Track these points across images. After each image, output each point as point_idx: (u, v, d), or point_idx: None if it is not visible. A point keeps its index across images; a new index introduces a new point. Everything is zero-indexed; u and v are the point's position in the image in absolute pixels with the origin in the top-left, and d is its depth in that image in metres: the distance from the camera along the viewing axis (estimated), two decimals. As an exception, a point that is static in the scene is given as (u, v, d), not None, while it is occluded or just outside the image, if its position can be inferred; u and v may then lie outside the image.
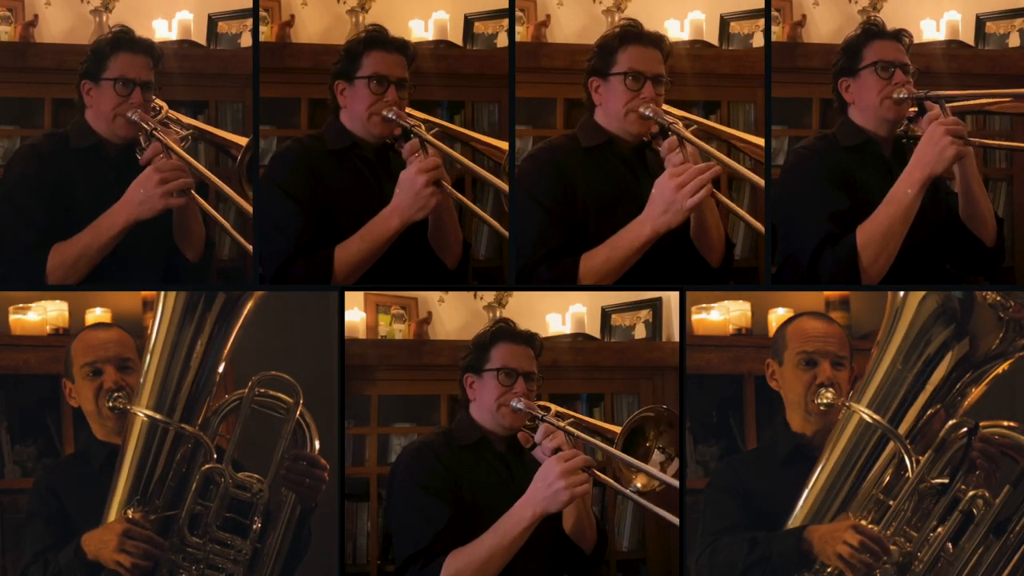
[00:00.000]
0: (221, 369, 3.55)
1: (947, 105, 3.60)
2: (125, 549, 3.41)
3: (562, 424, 3.49)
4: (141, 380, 3.52)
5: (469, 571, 3.43)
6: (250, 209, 3.65)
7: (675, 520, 3.49)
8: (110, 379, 3.55)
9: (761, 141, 3.75)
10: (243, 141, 3.74)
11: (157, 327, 3.53)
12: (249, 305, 3.56)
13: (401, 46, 3.67)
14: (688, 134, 3.58)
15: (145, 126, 3.62)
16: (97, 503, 3.49)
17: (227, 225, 3.68)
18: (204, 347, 3.52)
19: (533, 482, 3.41)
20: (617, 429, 3.59)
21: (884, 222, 3.57)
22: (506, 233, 3.70)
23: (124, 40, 3.67)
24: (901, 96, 3.64)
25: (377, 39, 3.65)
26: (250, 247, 3.67)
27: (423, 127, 3.62)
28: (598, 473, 3.44)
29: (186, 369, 3.51)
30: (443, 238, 3.69)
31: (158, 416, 3.48)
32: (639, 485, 3.48)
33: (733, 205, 3.67)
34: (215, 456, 3.50)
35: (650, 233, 3.53)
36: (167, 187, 3.56)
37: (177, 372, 3.50)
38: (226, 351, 3.55)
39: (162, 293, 3.54)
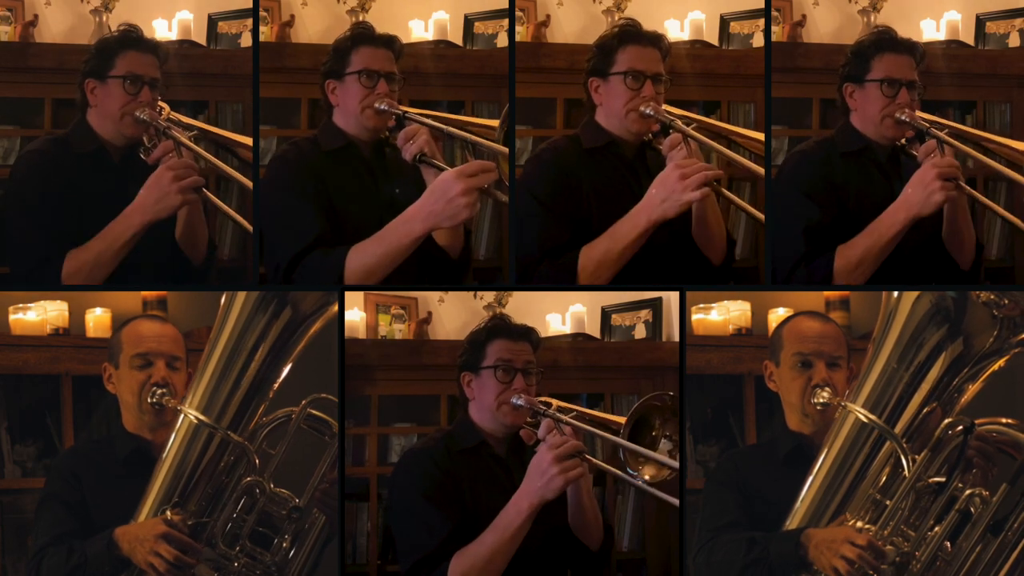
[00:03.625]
0: (279, 383, 3.59)
1: (946, 136, 3.59)
2: (159, 552, 3.43)
3: (565, 418, 3.47)
4: (195, 378, 3.55)
5: (475, 571, 3.42)
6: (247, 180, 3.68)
7: (675, 501, 3.48)
8: (159, 374, 3.57)
9: (760, 136, 3.75)
10: (247, 140, 3.75)
11: (222, 327, 3.55)
12: (318, 325, 3.59)
13: (387, 41, 3.66)
14: (690, 131, 3.59)
15: (157, 124, 3.62)
16: (117, 494, 3.54)
17: (237, 216, 3.68)
18: (265, 355, 3.55)
19: (527, 473, 3.40)
20: (622, 420, 3.58)
21: (862, 251, 3.60)
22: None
23: (131, 38, 3.68)
24: (902, 118, 3.63)
25: (364, 36, 3.65)
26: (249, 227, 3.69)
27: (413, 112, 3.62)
28: (591, 458, 3.43)
29: (242, 375, 3.54)
30: (454, 231, 3.67)
31: (207, 420, 3.51)
32: (647, 477, 3.46)
33: (733, 196, 3.69)
34: (257, 468, 3.53)
35: (646, 223, 3.54)
36: (182, 183, 3.55)
37: (233, 377, 3.54)
38: (287, 365, 3.59)
39: (229, 292, 3.58)
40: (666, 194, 3.50)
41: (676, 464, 3.46)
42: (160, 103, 3.70)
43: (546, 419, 3.45)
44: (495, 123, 3.64)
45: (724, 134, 3.81)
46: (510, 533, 3.40)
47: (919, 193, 3.52)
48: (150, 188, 3.57)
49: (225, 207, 3.67)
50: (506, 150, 3.60)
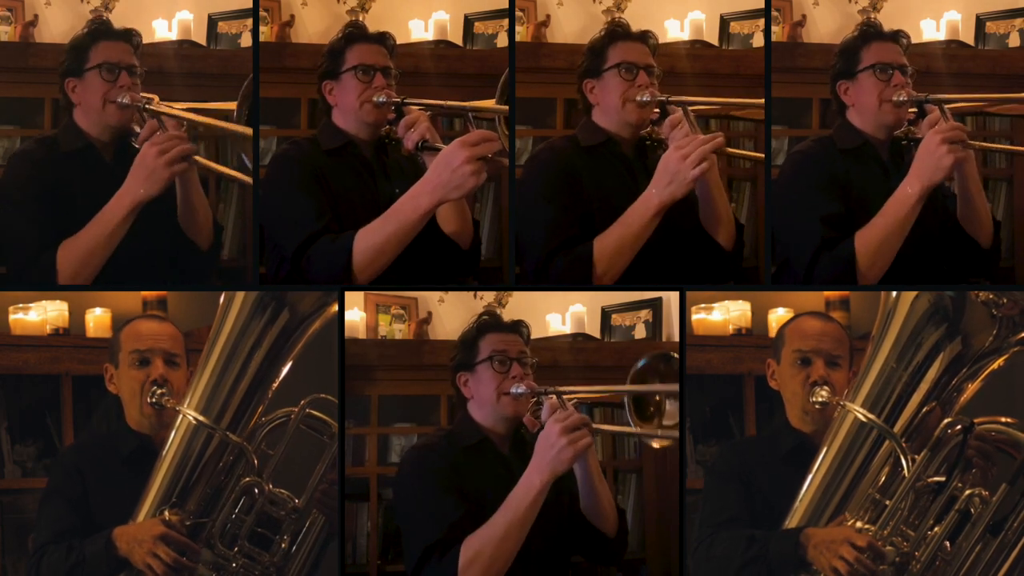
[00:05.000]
0: (278, 383, 3.59)
1: (947, 107, 3.60)
2: (158, 554, 3.43)
3: (567, 389, 3.44)
4: (194, 378, 3.55)
5: (488, 551, 3.38)
6: (247, 131, 3.67)
7: (675, 434, 3.48)
8: (157, 372, 3.57)
9: (760, 101, 3.77)
10: (230, 105, 3.73)
11: (221, 327, 3.55)
12: (317, 325, 3.59)
13: (380, 38, 3.69)
14: (688, 98, 3.64)
15: (138, 105, 3.61)
16: (119, 492, 3.54)
17: (231, 171, 3.71)
18: (264, 355, 3.55)
19: (536, 450, 3.38)
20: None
21: (882, 231, 3.58)
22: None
23: (101, 30, 3.67)
24: (900, 99, 3.64)
25: (356, 34, 3.67)
26: (249, 180, 3.70)
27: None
28: (598, 425, 3.41)
29: (241, 375, 3.54)
30: (460, 213, 3.68)
31: (206, 421, 3.51)
32: (655, 445, 3.46)
33: (736, 151, 3.80)
34: (255, 468, 3.54)
35: (657, 205, 3.55)
36: (168, 156, 3.52)
37: (232, 377, 3.54)
38: (287, 365, 3.59)
39: (228, 292, 3.58)
40: (671, 176, 3.52)
41: (675, 387, 3.48)
42: (146, 95, 3.70)
43: (548, 400, 3.44)
44: (491, 103, 3.66)
45: (724, 108, 3.83)
46: (522, 510, 3.37)
47: (928, 162, 3.52)
48: (136, 168, 3.55)
49: (222, 168, 3.68)
50: (506, 109, 3.63)
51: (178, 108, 3.67)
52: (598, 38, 3.72)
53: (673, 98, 3.65)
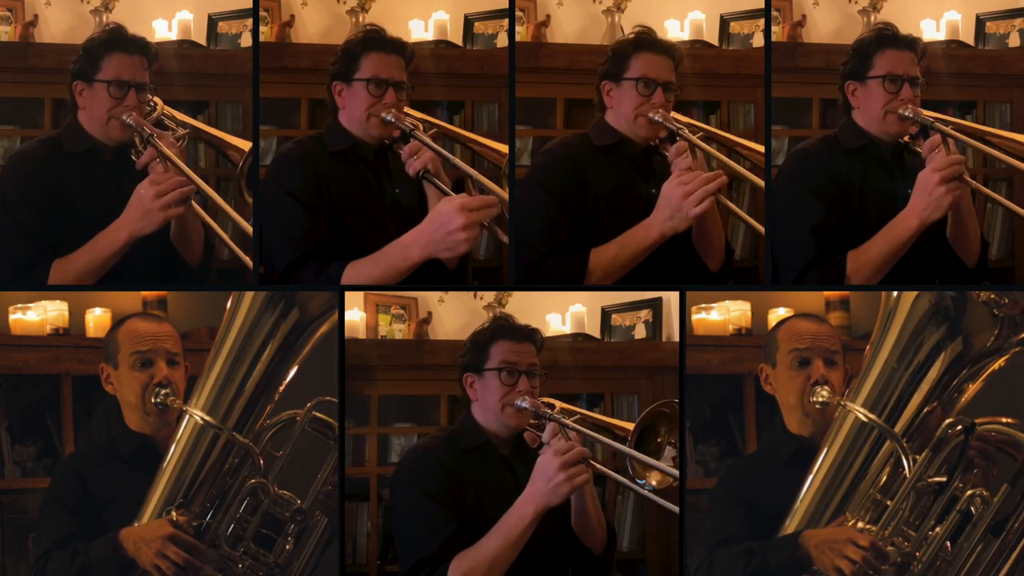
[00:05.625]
0: (284, 385, 3.59)
1: (950, 130, 3.59)
2: (167, 555, 3.42)
3: (569, 421, 3.45)
4: (201, 379, 3.55)
5: (477, 573, 3.40)
6: (247, 226, 3.62)
7: (675, 508, 3.46)
8: (161, 373, 3.56)
9: (760, 148, 3.76)
10: (242, 144, 3.73)
11: (229, 327, 3.55)
12: (324, 328, 3.60)
13: (399, 47, 3.65)
14: (696, 139, 3.64)
15: (141, 131, 3.59)
16: (125, 492, 3.53)
17: (226, 237, 3.68)
18: (271, 356, 3.55)
19: (532, 478, 3.38)
20: (625, 424, 3.58)
21: (876, 257, 3.60)
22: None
23: (118, 39, 3.63)
24: (906, 114, 3.64)
25: (375, 40, 3.63)
26: (250, 261, 3.66)
27: (421, 128, 3.61)
28: (596, 464, 3.41)
29: (248, 377, 3.54)
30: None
31: (212, 421, 3.50)
32: (654, 483, 3.46)
33: (733, 206, 3.71)
34: (261, 470, 3.54)
35: (656, 237, 3.59)
36: (164, 200, 3.52)
37: (239, 378, 3.53)
38: (294, 367, 3.59)
39: (236, 292, 3.57)
40: (672, 211, 3.55)
41: (677, 473, 3.48)
42: (153, 98, 3.69)
43: (551, 423, 3.44)
44: (504, 147, 3.66)
45: (726, 143, 3.83)
46: (513, 537, 3.38)
47: (926, 200, 3.53)
48: (133, 204, 3.55)
49: (224, 204, 3.65)
50: (506, 196, 3.63)
51: (180, 119, 3.66)
52: (624, 42, 3.71)
53: (683, 132, 3.65)
